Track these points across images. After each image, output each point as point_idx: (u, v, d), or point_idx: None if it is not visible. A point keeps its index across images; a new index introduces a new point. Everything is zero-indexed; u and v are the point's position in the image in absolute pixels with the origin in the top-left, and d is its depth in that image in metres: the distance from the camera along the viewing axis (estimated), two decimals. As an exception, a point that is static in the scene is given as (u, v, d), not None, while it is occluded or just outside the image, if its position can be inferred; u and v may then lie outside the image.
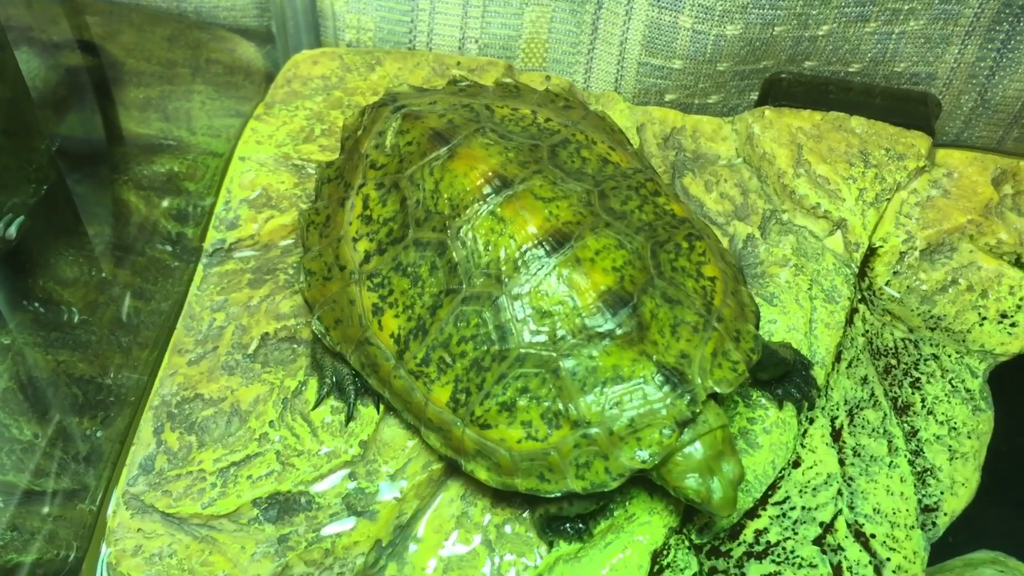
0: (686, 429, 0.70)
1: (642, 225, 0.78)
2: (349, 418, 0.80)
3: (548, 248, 0.74)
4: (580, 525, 0.78)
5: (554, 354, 0.72)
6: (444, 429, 0.74)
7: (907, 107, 1.04)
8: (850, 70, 1.05)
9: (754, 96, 1.09)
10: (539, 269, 0.73)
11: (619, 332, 0.72)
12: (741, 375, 0.73)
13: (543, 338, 0.72)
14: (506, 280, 0.73)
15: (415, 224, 0.77)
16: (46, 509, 0.78)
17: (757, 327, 0.77)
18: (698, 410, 0.70)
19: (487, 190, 0.76)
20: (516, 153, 0.79)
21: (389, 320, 0.76)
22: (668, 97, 1.07)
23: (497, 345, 0.73)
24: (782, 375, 0.83)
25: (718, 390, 0.71)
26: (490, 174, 0.76)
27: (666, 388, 0.70)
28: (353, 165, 0.83)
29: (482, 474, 0.74)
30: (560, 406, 0.71)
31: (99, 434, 0.82)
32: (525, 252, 0.74)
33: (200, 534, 0.77)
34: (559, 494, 0.72)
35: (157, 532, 0.77)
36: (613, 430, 0.70)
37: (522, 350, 0.72)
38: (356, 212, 0.80)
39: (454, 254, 0.75)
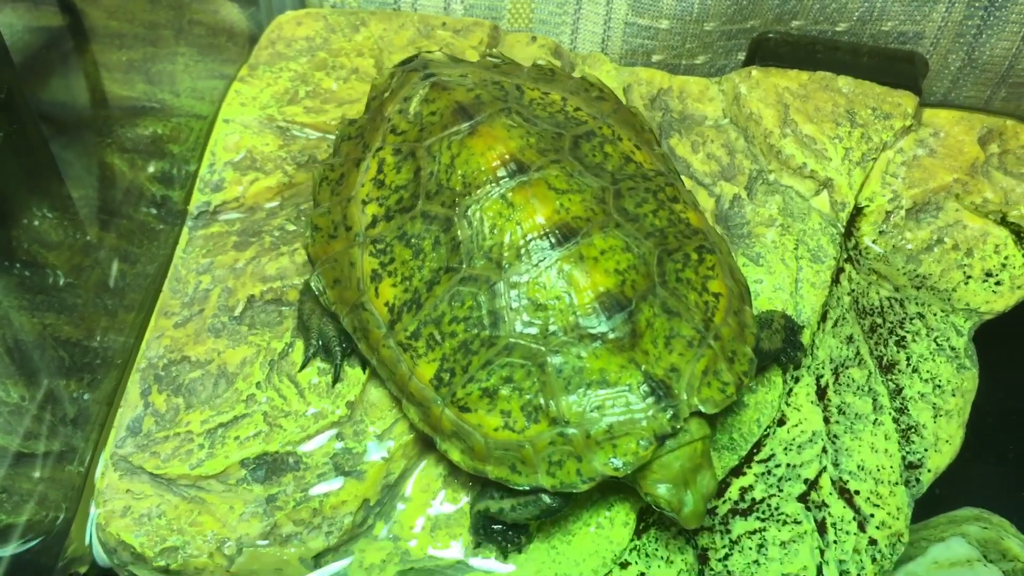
0: (666, 441, 0.70)
1: (653, 230, 0.76)
2: (336, 379, 0.80)
3: (553, 240, 0.73)
4: (513, 537, 0.77)
5: (543, 348, 0.71)
6: (424, 405, 0.74)
7: (894, 66, 1.03)
8: (837, 29, 1.05)
9: (741, 56, 1.08)
10: (541, 260, 0.72)
11: (611, 336, 0.71)
12: (729, 397, 0.71)
13: (534, 331, 0.72)
14: (506, 266, 0.73)
15: (425, 196, 0.76)
16: (35, 471, 0.79)
17: (756, 350, 0.76)
18: (679, 426, 0.69)
19: (501, 173, 0.75)
20: (538, 139, 0.77)
21: (386, 288, 0.76)
22: (655, 58, 1.07)
23: (488, 330, 0.72)
24: None
25: (703, 409, 0.70)
26: (507, 157, 0.75)
27: (650, 399, 0.70)
28: (375, 127, 0.83)
29: (455, 455, 0.74)
30: (541, 401, 0.71)
31: (86, 396, 0.82)
32: (529, 241, 0.73)
33: (189, 495, 0.77)
34: (528, 488, 0.71)
35: (146, 493, 0.77)
36: (591, 433, 0.70)
37: (512, 339, 0.72)
38: (370, 175, 0.80)
39: (459, 232, 0.74)
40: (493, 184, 0.74)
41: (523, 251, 0.73)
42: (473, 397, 0.72)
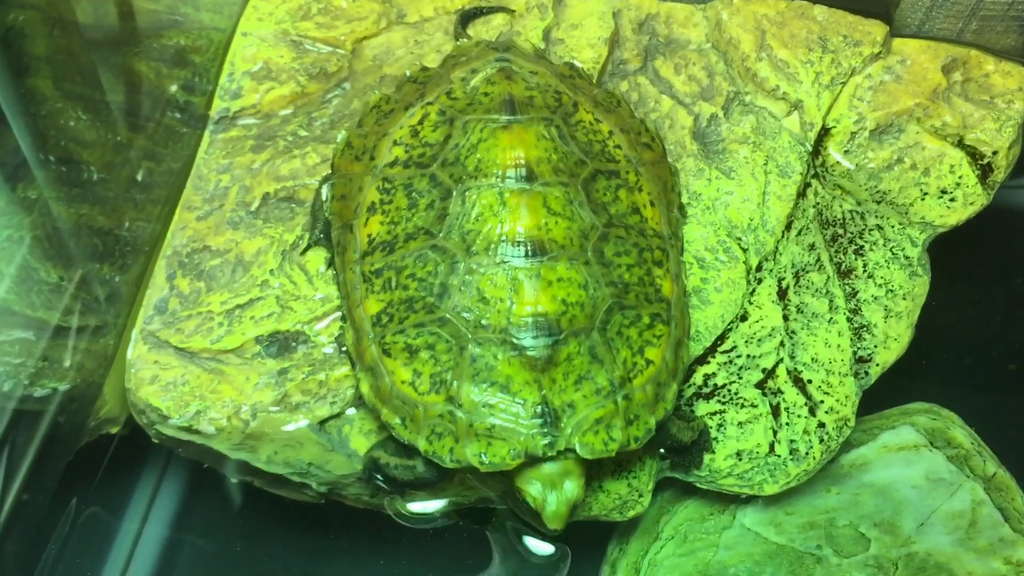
0: (535, 463, 0.74)
1: (619, 282, 0.80)
2: (331, 264, 0.88)
3: (523, 250, 0.77)
4: (393, 488, 0.83)
5: (470, 335, 0.76)
6: (359, 334, 0.80)
7: (868, -3, 1.10)
8: (816, -39, 1.11)
9: (727, -15, 1.14)
10: (503, 261, 0.77)
11: (529, 353, 0.74)
12: (609, 452, 0.74)
13: (470, 317, 0.76)
14: (474, 252, 0.77)
15: (442, 162, 0.82)
16: (73, 343, 0.88)
17: (659, 426, 0.79)
18: (552, 455, 0.73)
19: (510, 173, 0.79)
20: (560, 158, 0.81)
21: (374, 223, 0.82)
22: (646, -15, 1.13)
23: (433, 298, 0.78)
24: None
25: (579, 452, 0.74)
26: (522, 162, 0.79)
27: (536, 420, 0.73)
28: (437, 83, 0.88)
29: (364, 387, 0.80)
30: (448, 377, 0.75)
31: (117, 279, 0.91)
32: (502, 241, 0.77)
33: (209, 367, 0.86)
34: (405, 442, 0.77)
35: (171, 364, 0.86)
36: (474, 424, 0.74)
37: (448, 315, 0.77)
38: (411, 121, 0.85)
39: (450, 205, 0.79)
40: (499, 179, 0.79)
41: (492, 246, 0.77)
42: (397, 347, 0.77)
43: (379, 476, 0.83)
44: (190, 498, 1.00)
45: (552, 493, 0.74)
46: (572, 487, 0.75)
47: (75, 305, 0.88)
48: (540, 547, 0.93)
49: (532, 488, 0.75)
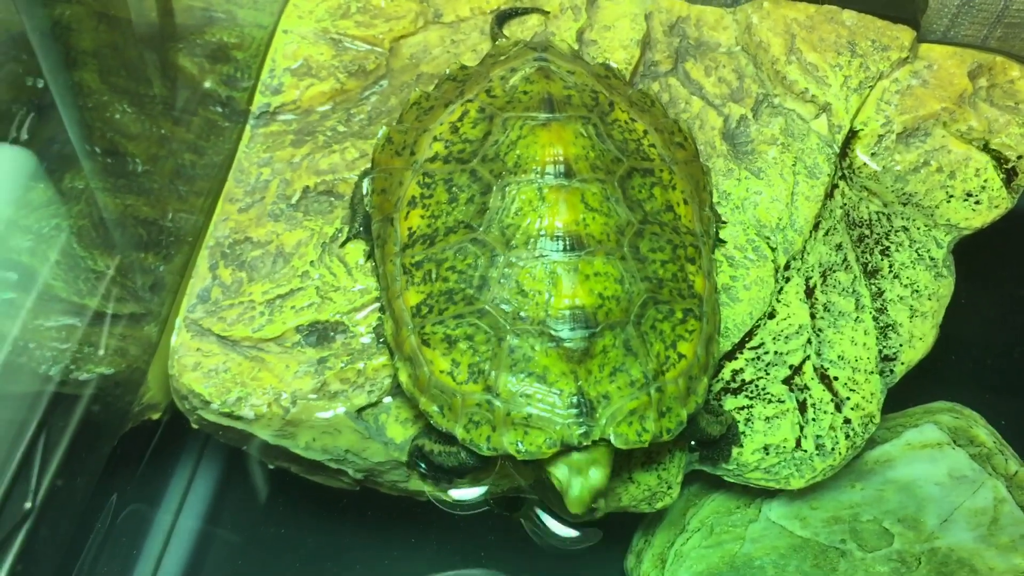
0: (571, 452, 0.76)
1: (653, 277, 0.81)
2: (370, 256, 0.90)
3: (561, 245, 0.78)
4: (437, 479, 0.86)
5: (508, 326, 0.77)
6: (398, 324, 0.82)
7: (896, 2, 1.12)
8: (845, -34, 1.13)
9: (756, -10, 1.16)
10: (542, 255, 0.78)
11: (566, 344, 0.76)
12: (642, 443, 0.76)
13: (508, 308, 0.78)
14: (513, 246, 0.79)
15: (482, 157, 0.83)
16: (117, 329, 0.90)
17: (690, 419, 0.80)
18: (587, 444, 0.75)
19: (549, 169, 0.81)
20: (597, 156, 0.83)
21: (415, 216, 0.84)
22: (676, -11, 1.15)
23: (472, 290, 0.79)
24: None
25: (613, 442, 0.75)
26: (561, 158, 0.81)
27: (572, 410, 0.75)
28: (477, 80, 0.90)
29: (403, 376, 0.81)
30: (486, 367, 0.77)
31: (161, 268, 0.93)
32: (541, 235, 0.79)
33: (250, 354, 0.88)
34: (443, 430, 0.78)
35: (214, 351, 0.88)
36: (511, 413, 0.76)
37: (487, 307, 0.78)
38: (452, 118, 0.87)
39: (490, 200, 0.81)
40: (538, 175, 0.81)
41: (532, 240, 0.79)
42: (436, 337, 0.79)
43: (422, 464, 0.85)
44: (226, 482, 1.02)
45: (577, 479, 0.76)
46: (597, 475, 0.76)
47: (121, 293, 0.91)
48: (566, 531, 0.95)
49: (557, 471, 0.76)
